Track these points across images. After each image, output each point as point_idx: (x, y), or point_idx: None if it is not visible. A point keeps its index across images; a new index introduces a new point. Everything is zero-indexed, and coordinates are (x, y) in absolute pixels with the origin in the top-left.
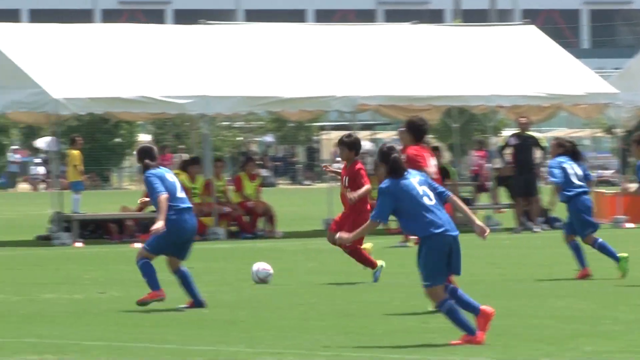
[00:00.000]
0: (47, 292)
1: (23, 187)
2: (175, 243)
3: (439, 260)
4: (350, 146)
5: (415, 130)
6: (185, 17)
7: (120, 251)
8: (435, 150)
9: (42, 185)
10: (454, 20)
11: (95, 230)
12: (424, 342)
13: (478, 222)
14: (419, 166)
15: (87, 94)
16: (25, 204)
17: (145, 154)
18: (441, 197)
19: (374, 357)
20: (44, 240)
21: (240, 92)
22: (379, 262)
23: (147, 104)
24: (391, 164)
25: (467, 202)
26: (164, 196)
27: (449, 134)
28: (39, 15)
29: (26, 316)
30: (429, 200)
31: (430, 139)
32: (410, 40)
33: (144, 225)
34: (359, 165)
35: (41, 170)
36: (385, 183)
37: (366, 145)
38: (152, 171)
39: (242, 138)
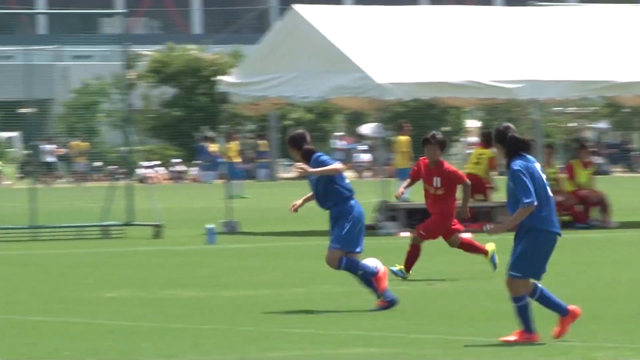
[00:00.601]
0: None
1: (347, 175)
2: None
3: (543, 257)
4: (442, 145)
5: None
6: None
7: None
8: None
9: (366, 173)
10: None
11: (422, 219)
12: None
13: None
14: None
15: (412, 79)
16: None
17: (302, 140)
18: None
19: None
20: (370, 230)
21: (572, 77)
22: (489, 247)
23: (476, 89)
24: (508, 143)
25: None
26: (341, 166)
27: None
28: None
29: (352, 308)
30: (550, 192)
31: None
32: None
33: (472, 214)
34: (448, 165)
35: (366, 157)
36: (516, 164)
37: None
38: (320, 153)
39: (574, 124)
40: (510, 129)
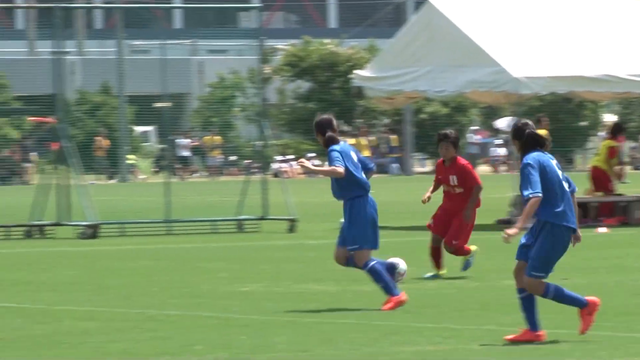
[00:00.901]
0: (507, 279)
1: (483, 169)
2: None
3: (559, 253)
4: (455, 143)
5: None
6: None
7: (584, 236)
8: None
9: (502, 167)
10: None
11: None
12: None
13: (579, 230)
14: None
15: (548, 73)
16: (486, 187)
17: (327, 126)
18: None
19: None
20: (505, 224)
21: None
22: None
23: (612, 83)
24: (525, 139)
25: None
26: (342, 169)
27: None
28: None
29: (486, 303)
30: (567, 187)
31: None
32: None
33: (609, 209)
34: (463, 161)
35: (501, 151)
36: (528, 158)
37: None
38: (336, 147)
39: None
40: (528, 125)
